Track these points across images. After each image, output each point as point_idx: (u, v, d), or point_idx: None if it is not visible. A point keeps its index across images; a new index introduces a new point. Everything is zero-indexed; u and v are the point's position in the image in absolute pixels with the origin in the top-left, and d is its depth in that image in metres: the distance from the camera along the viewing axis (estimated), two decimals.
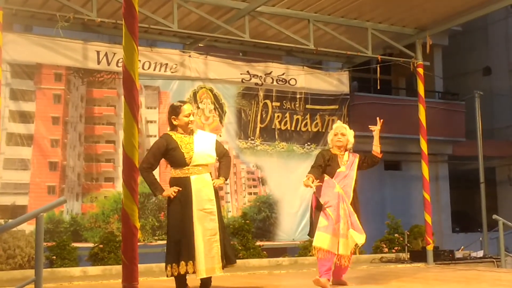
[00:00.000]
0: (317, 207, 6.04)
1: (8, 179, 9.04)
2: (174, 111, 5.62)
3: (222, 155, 5.81)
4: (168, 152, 5.52)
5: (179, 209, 5.47)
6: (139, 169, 5.50)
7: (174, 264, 5.38)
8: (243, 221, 10.49)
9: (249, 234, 10.41)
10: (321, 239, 5.86)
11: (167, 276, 5.48)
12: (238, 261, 9.90)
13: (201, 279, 5.50)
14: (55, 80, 9.60)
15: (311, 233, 6.13)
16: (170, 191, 5.50)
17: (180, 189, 5.47)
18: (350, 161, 6.28)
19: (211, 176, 5.68)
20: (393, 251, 11.26)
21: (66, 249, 8.94)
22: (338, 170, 6.14)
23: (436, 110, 15.01)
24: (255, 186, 11.12)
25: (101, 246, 9.18)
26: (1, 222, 8.41)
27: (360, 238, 6.01)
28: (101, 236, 9.36)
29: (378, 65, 11.23)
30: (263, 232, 10.95)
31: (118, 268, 8.04)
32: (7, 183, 9.03)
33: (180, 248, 5.38)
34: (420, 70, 10.82)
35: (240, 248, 10.24)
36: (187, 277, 5.54)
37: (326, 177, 6.12)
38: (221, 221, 5.61)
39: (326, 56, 12.10)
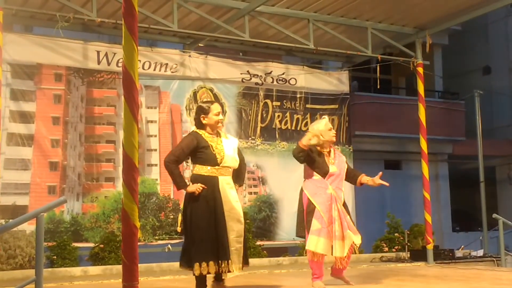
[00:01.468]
0: (309, 209, 5.92)
1: (8, 179, 9.05)
2: (203, 110, 5.62)
3: (241, 160, 5.82)
4: (199, 150, 5.50)
5: (206, 207, 5.41)
6: (165, 161, 5.58)
7: (203, 262, 5.33)
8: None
9: (249, 234, 10.39)
10: (314, 243, 5.78)
11: (195, 275, 5.38)
12: None
13: (215, 275, 5.53)
14: (55, 80, 9.62)
15: (299, 233, 6.10)
16: (195, 187, 5.40)
17: (206, 187, 5.42)
18: (338, 160, 6.17)
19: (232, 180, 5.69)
20: (393, 250, 11.27)
21: (67, 249, 8.94)
22: (330, 171, 6.02)
23: (436, 109, 15.02)
24: (255, 186, 11.13)
25: (101, 246, 9.19)
26: (1, 222, 8.43)
27: (356, 238, 5.93)
28: (101, 236, 9.37)
29: (378, 64, 11.24)
30: (263, 231, 10.97)
31: (118, 268, 8.04)
32: (8, 183, 9.03)
33: (210, 247, 5.34)
34: (420, 70, 10.83)
35: None
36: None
37: (318, 177, 6.01)
38: (244, 225, 5.63)
39: (326, 55, 12.11)
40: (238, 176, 5.76)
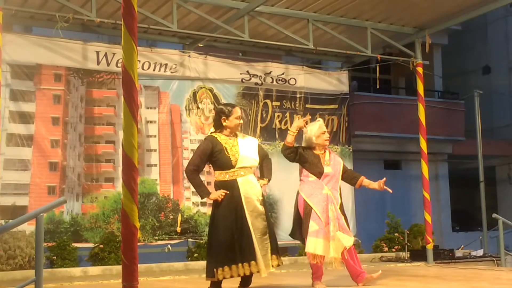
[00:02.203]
0: (306, 211, 5.91)
1: (8, 180, 9.04)
2: (224, 113, 5.67)
3: (264, 157, 5.88)
4: (214, 155, 5.55)
5: (227, 212, 5.48)
6: (185, 172, 5.68)
7: (226, 267, 5.39)
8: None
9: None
10: (313, 245, 5.78)
11: (218, 279, 5.43)
12: None
13: (242, 278, 5.58)
14: (55, 80, 9.62)
15: (294, 235, 6.11)
16: (217, 194, 5.49)
17: (227, 192, 5.49)
18: (334, 162, 6.15)
19: (255, 177, 5.74)
20: (393, 250, 11.28)
21: (67, 249, 8.95)
22: (325, 171, 6.02)
23: (435, 109, 15.02)
24: None
25: (101, 246, 9.20)
26: (1, 222, 8.44)
27: (348, 240, 5.90)
28: (101, 236, 9.37)
29: (378, 64, 11.24)
30: None
31: (118, 268, 8.05)
32: (8, 184, 9.03)
33: (224, 252, 5.39)
34: (420, 69, 10.83)
35: None
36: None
37: (313, 178, 6.01)
38: (269, 220, 5.68)
39: (325, 55, 12.12)
40: (264, 170, 5.86)
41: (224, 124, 5.66)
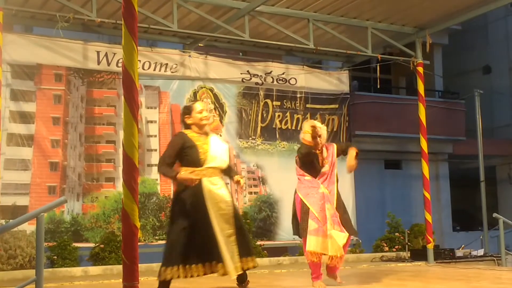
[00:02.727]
0: (304, 210, 5.94)
1: (8, 180, 9.04)
2: (187, 110, 5.64)
3: (230, 166, 5.81)
4: (184, 151, 5.43)
5: (189, 211, 5.30)
6: (158, 171, 5.58)
7: (176, 266, 5.19)
8: (243, 220, 10.50)
9: (249, 234, 10.41)
10: (314, 243, 5.80)
11: (165, 279, 5.21)
12: None
13: (238, 276, 5.44)
14: (55, 80, 9.62)
15: (295, 232, 6.14)
16: (189, 175, 5.26)
17: (199, 178, 5.32)
18: (330, 157, 6.12)
19: (222, 180, 5.60)
20: (394, 250, 11.28)
21: (67, 249, 8.95)
22: (322, 171, 6.04)
23: (436, 109, 15.01)
24: (255, 186, 11.14)
25: (102, 246, 9.20)
26: (2, 222, 8.44)
27: (343, 237, 5.89)
28: (102, 236, 9.38)
29: (378, 64, 11.24)
30: (263, 231, 10.97)
31: (119, 268, 8.05)
32: (8, 184, 9.03)
33: (180, 251, 5.22)
34: (420, 69, 10.82)
35: None
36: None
37: (309, 177, 6.04)
38: (239, 222, 5.53)
39: (326, 55, 12.11)
40: (231, 173, 5.80)
41: (188, 122, 5.59)
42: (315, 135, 5.92)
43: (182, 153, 5.44)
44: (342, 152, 6.25)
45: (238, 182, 5.68)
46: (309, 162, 6.06)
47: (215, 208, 5.37)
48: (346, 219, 6.10)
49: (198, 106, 5.64)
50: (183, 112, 5.69)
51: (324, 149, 6.16)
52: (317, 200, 5.91)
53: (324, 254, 5.86)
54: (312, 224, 5.84)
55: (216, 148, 5.58)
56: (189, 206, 5.33)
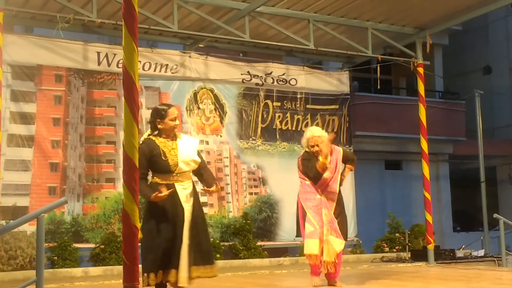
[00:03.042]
0: (303, 214, 6.11)
1: (9, 180, 9.05)
2: (159, 114, 5.23)
3: (203, 165, 5.39)
4: (152, 159, 5.11)
5: (165, 218, 5.02)
6: (139, 187, 4.62)
7: (151, 273, 4.90)
8: (244, 221, 10.52)
9: (250, 234, 10.44)
10: (311, 246, 5.95)
11: (148, 285, 4.94)
12: (239, 261, 10.05)
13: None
14: (55, 81, 9.63)
15: (298, 234, 6.27)
16: (164, 192, 4.94)
17: (172, 190, 5.02)
18: (333, 162, 6.14)
19: (193, 183, 5.28)
20: (394, 250, 11.28)
21: (68, 250, 8.95)
22: (324, 176, 6.07)
23: (436, 109, 15.01)
24: (256, 186, 11.14)
25: (102, 246, 9.20)
26: (2, 223, 8.44)
27: (340, 244, 5.98)
28: (102, 237, 9.38)
29: (378, 64, 11.24)
30: (264, 232, 10.97)
31: (119, 268, 8.04)
32: (8, 184, 9.04)
33: (167, 257, 4.96)
34: (421, 70, 10.82)
35: (241, 248, 10.27)
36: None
37: (309, 182, 6.13)
38: (202, 228, 5.20)
39: (326, 56, 12.12)
40: (208, 179, 5.32)
41: (159, 126, 5.21)
42: (312, 145, 6.09)
43: (151, 160, 5.13)
44: (346, 162, 6.33)
45: (207, 191, 5.34)
46: (311, 167, 6.08)
47: (188, 214, 5.09)
48: (343, 222, 6.16)
49: (173, 112, 5.24)
50: (156, 115, 5.25)
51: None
52: (315, 205, 6.04)
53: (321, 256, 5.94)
54: (308, 227, 5.99)
55: (186, 151, 5.24)
56: (166, 213, 5.04)
